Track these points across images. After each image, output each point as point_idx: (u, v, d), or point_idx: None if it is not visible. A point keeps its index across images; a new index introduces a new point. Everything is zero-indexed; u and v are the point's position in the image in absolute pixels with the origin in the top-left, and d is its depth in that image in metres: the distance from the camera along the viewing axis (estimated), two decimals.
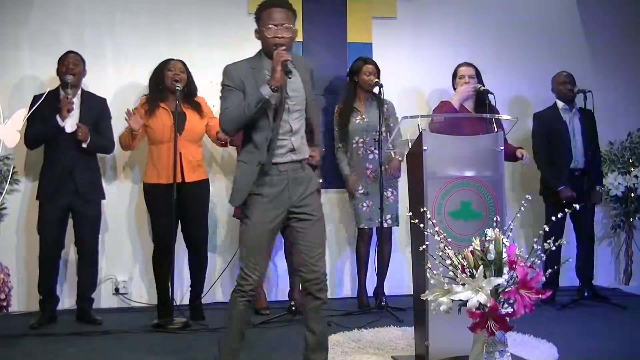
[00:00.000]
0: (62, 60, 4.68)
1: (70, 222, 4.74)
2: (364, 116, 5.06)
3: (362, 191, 5.00)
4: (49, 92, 4.40)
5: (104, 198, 4.84)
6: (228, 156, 5.32)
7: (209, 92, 5.04)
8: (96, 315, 4.72)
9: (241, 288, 3.15)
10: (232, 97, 3.11)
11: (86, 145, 4.60)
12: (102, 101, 4.83)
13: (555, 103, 5.34)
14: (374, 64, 5.08)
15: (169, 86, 4.63)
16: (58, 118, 4.53)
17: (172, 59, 4.74)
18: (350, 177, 5.05)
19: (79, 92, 4.71)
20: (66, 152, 4.60)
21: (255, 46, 5.21)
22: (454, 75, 5.07)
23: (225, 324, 3.26)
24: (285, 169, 3.13)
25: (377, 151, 4.96)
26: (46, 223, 4.63)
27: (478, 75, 5.01)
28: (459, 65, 5.07)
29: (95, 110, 4.74)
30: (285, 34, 3.10)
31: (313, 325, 3.18)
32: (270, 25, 3.10)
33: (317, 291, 3.16)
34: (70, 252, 4.99)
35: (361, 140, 5.02)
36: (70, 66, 4.64)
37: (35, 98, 4.51)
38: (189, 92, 4.76)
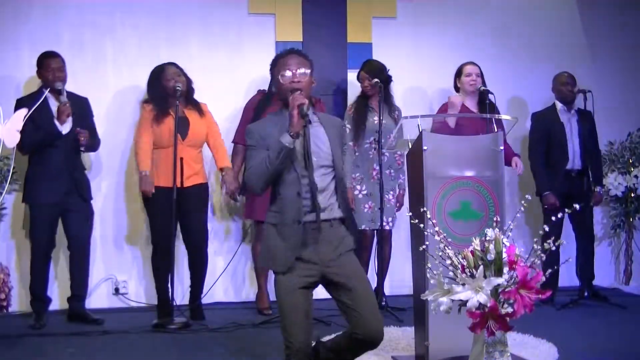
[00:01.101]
0: (45, 65, 4.59)
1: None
2: (381, 117, 4.92)
3: (365, 192, 4.98)
4: (38, 92, 4.38)
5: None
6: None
7: (209, 92, 5.05)
8: (95, 315, 4.70)
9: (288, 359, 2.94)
10: (255, 155, 2.99)
11: (84, 148, 4.61)
12: (85, 100, 4.78)
13: (554, 104, 5.34)
14: (369, 67, 5.02)
15: (171, 92, 4.60)
16: (57, 124, 4.52)
17: (164, 65, 4.71)
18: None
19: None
20: (61, 154, 4.57)
21: (255, 47, 5.33)
22: (459, 74, 5.07)
23: None
24: (312, 227, 2.96)
25: (387, 153, 4.91)
26: (41, 226, 4.59)
27: (481, 74, 5.02)
28: (465, 64, 5.06)
29: (80, 110, 4.68)
30: (301, 78, 3.01)
31: (345, 355, 3.08)
32: (285, 72, 3.02)
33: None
34: (60, 252, 4.96)
35: (375, 140, 4.91)
36: (57, 73, 4.58)
37: (19, 101, 4.44)
38: (188, 92, 4.75)
